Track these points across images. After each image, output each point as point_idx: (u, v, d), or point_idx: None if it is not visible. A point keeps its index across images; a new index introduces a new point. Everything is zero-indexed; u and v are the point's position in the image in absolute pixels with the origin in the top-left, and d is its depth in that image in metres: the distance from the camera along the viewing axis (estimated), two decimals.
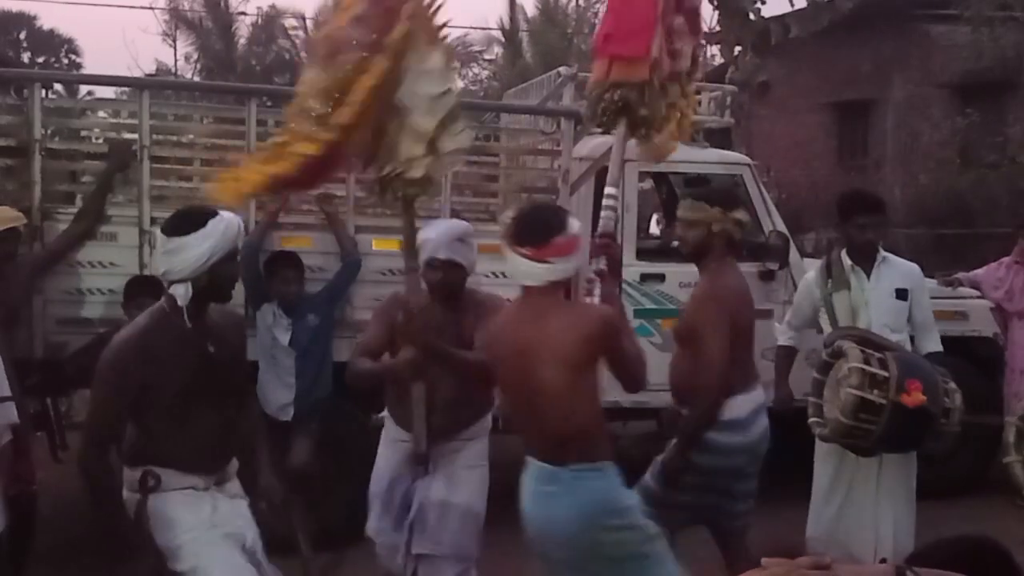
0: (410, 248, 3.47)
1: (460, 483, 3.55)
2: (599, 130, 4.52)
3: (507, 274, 3.17)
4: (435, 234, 3.61)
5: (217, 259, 2.85)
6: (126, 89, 6.51)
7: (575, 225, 3.01)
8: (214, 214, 2.89)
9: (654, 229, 7.49)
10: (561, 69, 5.99)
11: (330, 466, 4.95)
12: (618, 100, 3.57)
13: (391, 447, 3.67)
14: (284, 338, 4.94)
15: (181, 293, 2.86)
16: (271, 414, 4.86)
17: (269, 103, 5.59)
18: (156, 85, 5.93)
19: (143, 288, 4.46)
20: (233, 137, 5.32)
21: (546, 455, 2.95)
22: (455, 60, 3.37)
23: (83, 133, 5.62)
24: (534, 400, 2.93)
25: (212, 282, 2.88)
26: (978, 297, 6.02)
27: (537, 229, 2.96)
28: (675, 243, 6.20)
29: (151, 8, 23.32)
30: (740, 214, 3.80)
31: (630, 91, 3.56)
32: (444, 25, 3.34)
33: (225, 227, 2.87)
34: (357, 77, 3.09)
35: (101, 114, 5.66)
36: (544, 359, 2.87)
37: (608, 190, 3.62)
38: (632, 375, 3.05)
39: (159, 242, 2.95)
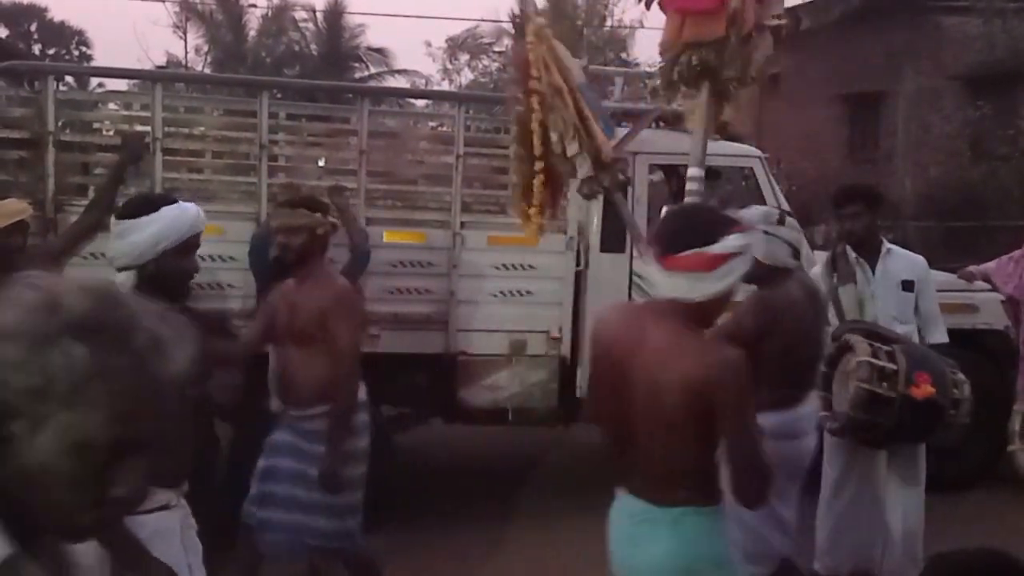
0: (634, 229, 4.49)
1: None
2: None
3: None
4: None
5: (165, 247, 2.66)
6: (138, 81, 6.55)
7: (733, 241, 2.39)
8: (171, 201, 2.77)
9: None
10: None
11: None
12: (696, 64, 3.37)
13: None
14: None
15: (122, 281, 2.65)
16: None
17: (279, 96, 5.61)
18: (168, 78, 5.94)
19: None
20: (244, 130, 5.35)
21: (647, 492, 2.51)
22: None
23: (95, 125, 5.64)
24: (640, 432, 2.45)
25: (158, 273, 2.67)
26: (989, 290, 5.99)
27: (670, 234, 2.46)
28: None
29: (162, 0, 23.32)
30: (333, 218, 3.87)
31: (708, 52, 3.35)
32: (557, 59, 4.05)
33: (178, 215, 2.70)
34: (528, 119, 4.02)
35: (113, 106, 5.67)
36: (667, 399, 2.36)
37: (691, 172, 3.67)
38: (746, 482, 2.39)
39: (111, 226, 2.83)
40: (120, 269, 2.73)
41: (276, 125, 5.30)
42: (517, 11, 4.54)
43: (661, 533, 2.46)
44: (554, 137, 3.93)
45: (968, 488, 5.66)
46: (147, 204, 2.77)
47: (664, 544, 2.44)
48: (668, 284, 2.40)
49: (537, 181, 4.08)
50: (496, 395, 5.44)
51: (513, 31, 5.04)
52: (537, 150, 4.01)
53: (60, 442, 1.04)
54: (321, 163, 5.72)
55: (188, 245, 2.74)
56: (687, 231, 2.42)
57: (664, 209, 7.36)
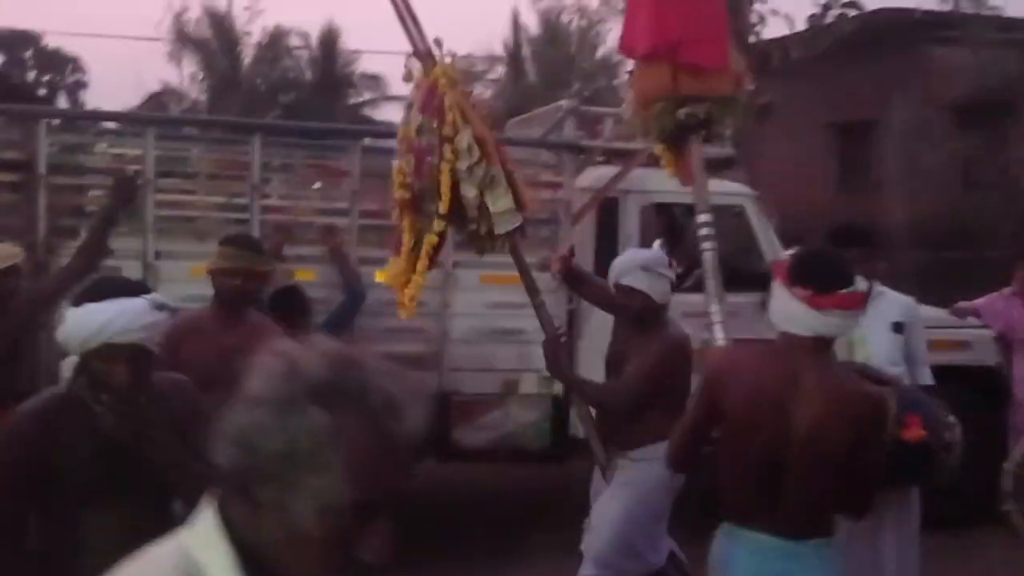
0: (531, 286, 3.92)
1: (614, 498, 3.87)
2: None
3: (771, 314, 2.72)
4: (620, 260, 4.00)
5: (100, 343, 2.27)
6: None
7: (862, 283, 2.67)
8: (126, 291, 2.34)
9: None
10: (562, 102, 6.05)
11: None
12: (703, 116, 3.39)
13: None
14: None
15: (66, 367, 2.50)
16: None
17: (272, 137, 5.63)
18: (161, 121, 5.97)
19: (283, 304, 4.70)
20: (237, 169, 5.36)
21: (789, 528, 2.58)
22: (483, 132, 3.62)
23: (87, 165, 5.65)
24: (795, 468, 2.53)
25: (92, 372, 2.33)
26: (981, 327, 6.03)
27: (825, 271, 2.58)
28: (678, 270, 6.24)
29: (156, 38, 23.33)
30: (270, 261, 3.93)
31: (712, 105, 3.37)
32: (477, 106, 3.75)
33: (119, 312, 2.27)
34: (439, 172, 3.51)
35: (104, 147, 5.67)
36: (829, 435, 2.50)
37: (700, 219, 3.60)
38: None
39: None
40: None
41: (268, 166, 5.33)
42: (420, 46, 3.68)
43: (812, 565, 2.59)
44: (471, 193, 3.50)
45: (963, 525, 5.64)
46: (100, 291, 2.36)
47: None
48: (820, 322, 2.52)
49: (429, 242, 3.61)
50: (489, 434, 5.44)
51: (419, 70, 3.62)
52: (444, 207, 3.51)
53: (308, 506, 1.06)
54: (313, 203, 5.73)
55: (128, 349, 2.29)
56: (838, 271, 2.58)
57: (660, 248, 7.42)
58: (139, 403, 2.34)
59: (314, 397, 1.06)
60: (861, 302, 2.61)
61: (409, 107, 3.71)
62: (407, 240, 3.63)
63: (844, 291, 2.53)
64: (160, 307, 2.37)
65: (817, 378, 2.54)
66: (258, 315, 3.77)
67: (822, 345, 2.58)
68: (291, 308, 4.95)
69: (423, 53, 3.58)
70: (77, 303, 2.34)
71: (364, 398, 1.08)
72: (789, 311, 2.58)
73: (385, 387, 1.10)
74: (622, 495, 3.88)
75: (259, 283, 3.75)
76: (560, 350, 3.86)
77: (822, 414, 2.50)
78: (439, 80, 3.52)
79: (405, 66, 3.75)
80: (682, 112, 3.38)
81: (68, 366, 2.48)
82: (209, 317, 3.64)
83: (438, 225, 3.54)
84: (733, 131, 3.55)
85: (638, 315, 3.94)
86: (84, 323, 2.28)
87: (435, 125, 3.49)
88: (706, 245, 3.45)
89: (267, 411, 1.07)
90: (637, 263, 3.97)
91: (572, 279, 4.35)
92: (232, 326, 3.50)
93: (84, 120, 6.73)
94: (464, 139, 3.46)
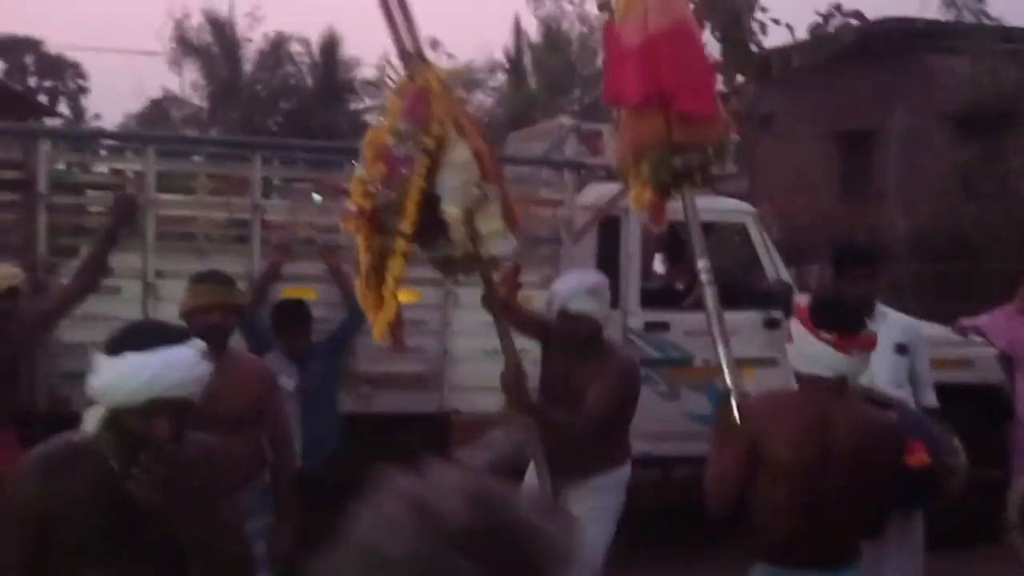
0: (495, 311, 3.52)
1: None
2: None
3: (792, 357, 2.90)
4: (566, 286, 3.90)
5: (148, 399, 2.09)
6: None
7: (871, 324, 2.96)
8: (170, 338, 2.16)
9: (657, 267, 7.48)
10: (563, 120, 6.04)
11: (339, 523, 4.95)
12: (698, 164, 3.35)
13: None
14: (289, 385, 4.93)
15: (90, 419, 2.18)
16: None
17: (273, 158, 5.62)
18: (162, 140, 5.96)
19: (288, 315, 4.80)
20: (238, 190, 5.36)
21: (827, 558, 2.83)
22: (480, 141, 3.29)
23: (88, 182, 5.64)
24: (834, 502, 2.77)
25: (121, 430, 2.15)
26: (984, 344, 6.01)
27: (849, 316, 2.83)
28: (679, 286, 6.21)
29: (155, 53, 23.34)
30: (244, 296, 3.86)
31: (704, 152, 3.36)
32: (472, 118, 3.46)
33: (168, 364, 2.10)
34: (409, 186, 3.15)
35: (104, 168, 5.66)
36: (856, 466, 2.76)
37: (700, 264, 3.41)
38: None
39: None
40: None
41: (269, 185, 5.32)
42: (409, 45, 3.18)
43: None
44: (454, 211, 3.15)
45: (966, 544, 5.62)
46: (142, 339, 2.17)
47: None
48: (846, 364, 2.78)
49: (396, 265, 3.24)
50: (491, 453, 5.40)
51: (404, 72, 3.18)
52: (409, 226, 3.16)
53: None
54: (314, 220, 5.72)
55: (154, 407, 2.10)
56: (856, 315, 2.86)
57: (661, 264, 7.42)
58: (178, 465, 2.13)
59: (461, 549, 0.90)
60: (876, 343, 2.86)
61: (385, 111, 3.44)
62: (363, 260, 3.30)
63: (865, 334, 2.82)
64: (204, 355, 2.20)
65: (846, 413, 2.81)
66: (237, 350, 3.70)
67: (844, 384, 2.83)
68: (292, 319, 4.94)
69: (411, 53, 3.28)
70: (114, 351, 2.10)
71: (515, 543, 0.93)
72: (816, 354, 2.79)
73: (535, 525, 0.95)
74: (598, 522, 3.79)
75: (235, 317, 3.66)
76: (523, 379, 3.50)
77: (856, 448, 2.76)
78: (430, 85, 3.21)
79: (383, 67, 3.51)
80: (678, 160, 3.33)
81: (92, 417, 2.18)
82: None
83: (402, 245, 3.17)
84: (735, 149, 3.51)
85: (585, 341, 3.88)
86: (129, 375, 2.06)
87: (420, 135, 3.18)
88: (708, 289, 3.35)
89: (403, 573, 0.90)
90: (584, 288, 3.92)
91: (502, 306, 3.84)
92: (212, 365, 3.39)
93: (87, 138, 6.66)
94: (462, 153, 3.19)
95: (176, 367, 2.10)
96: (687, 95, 3.25)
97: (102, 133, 8.20)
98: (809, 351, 2.80)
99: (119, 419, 2.12)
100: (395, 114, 3.28)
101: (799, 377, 2.93)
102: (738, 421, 3.00)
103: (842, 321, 2.79)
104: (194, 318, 3.46)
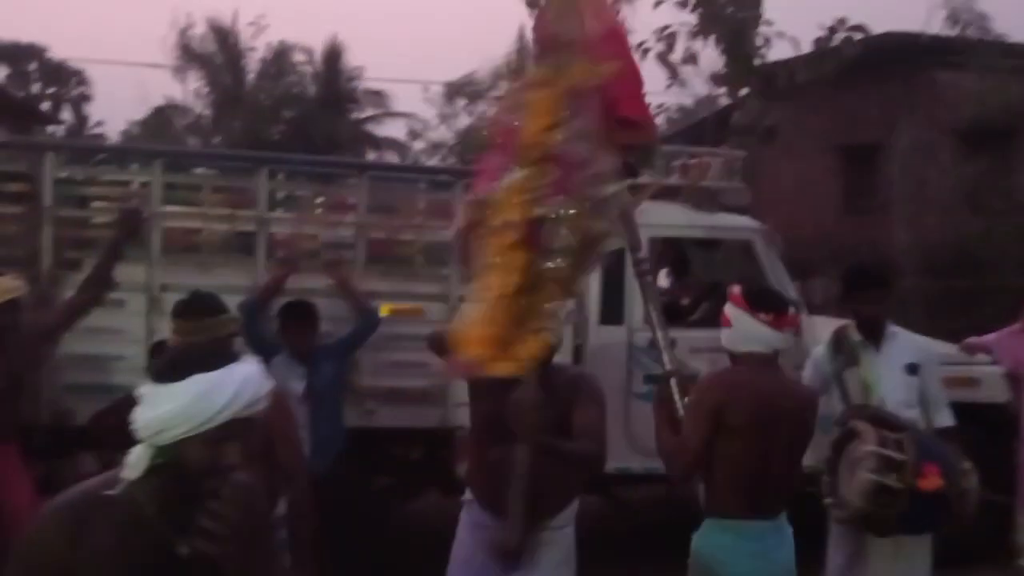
0: None
1: None
2: None
3: (727, 340, 3.32)
4: None
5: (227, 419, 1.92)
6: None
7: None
8: (227, 358, 2.00)
9: (663, 282, 7.44)
10: None
11: (343, 524, 4.93)
12: (632, 163, 3.59)
13: (471, 533, 3.39)
14: (298, 388, 4.88)
15: (135, 462, 1.95)
16: None
17: (278, 172, 5.60)
18: (169, 154, 5.94)
19: (294, 313, 4.77)
20: (244, 205, 5.34)
21: (767, 511, 3.26)
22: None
23: (93, 200, 5.62)
24: (777, 461, 3.22)
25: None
26: (990, 363, 5.98)
27: (778, 299, 3.41)
28: (684, 301, 6.17)
29: (161, 65, 23.33)
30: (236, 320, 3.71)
31: (639, 154, 3.61)
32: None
33: (246, 380, 1.96)
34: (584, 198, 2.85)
35: (110, 179, 5.62)
36: (794, 424, 3.25)
37: (634, 256, 3.73)
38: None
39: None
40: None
41: (275, 200, 5.31)
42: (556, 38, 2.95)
43: (785, 536, 3.31)
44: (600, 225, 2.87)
45: (973, 563, 5.58)
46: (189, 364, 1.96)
47: (789, 544, 3.31)
48: (780, 339, 3.30)
49: (551, 295, 2.90)
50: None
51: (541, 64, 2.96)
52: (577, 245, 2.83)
53: None
54: (319, 235, 5.69)
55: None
56: (784, 299, 3.49)
57: (666, 279, 7.39)
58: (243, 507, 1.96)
59: None
60: (800, 323, 3.67)
61: (518, 105, 3.01)
62: (504, 283, 2.79)
63: (791, 315, 3.40)
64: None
65: (782, 382, 3.35)
66: None
67: (777, 357, 3.34)
68: (300, 318, 4.91)
69: (559, 43, 3.00)
70: (176, 376, 1.90)
71: None
72: (755, 333, 3.27)
73: None
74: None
75: (228, 344, 3.30)
76: (535, 411, 3.03)
77: (796, 410, 3.27)
78: (584, 81, 2.92)
79: (514, 53, 3.31)
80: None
81: (137, 459, 1.93)
82: None
83: (571, 273, 2.79)
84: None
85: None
86: (206, 396, 1.88)
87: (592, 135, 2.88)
88: (646, 278, 3.70)
89: None
90: None
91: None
92: None
93: (89, 153, 6.64)
94: (609, 161, 2.99)
95: (253, 382, 1.96)
96: (623, 99, 3.32)
97: (108, 148, 8.19)
98: (748, 331, 3.28)
99: (175, 455, 1.91)
100: (551, 110, 2.93)
101: (735, 356, 3.36)
102: (681, 398, 3.47)
103: (775, 304, 3.33)
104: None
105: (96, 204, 5.34)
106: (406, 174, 8.12)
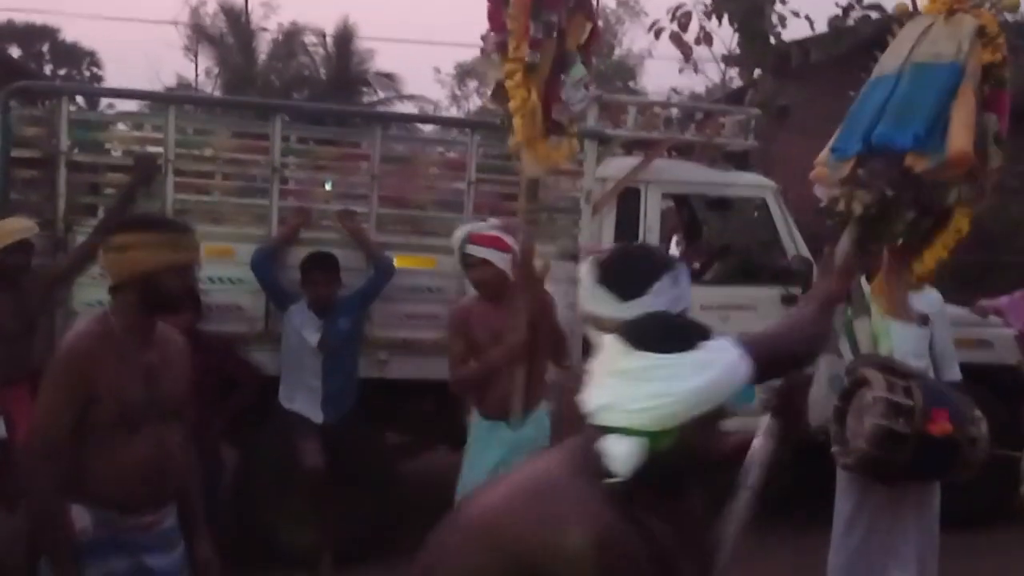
0: None
1: None
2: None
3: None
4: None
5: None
6: (150, 103, 6.58)
7: None
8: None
9: (674, 250, 7.45)
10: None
11: (352, 479, 4.95)
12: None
13: (485, 442, 4.00)
14: (313, 339, 4.89)
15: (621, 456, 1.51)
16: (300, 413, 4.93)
17: (291, 119, 5.58)
18: (181, 100, 5.96)
19: (318, 264, 4.82)
20: (256, 152, 5.34)
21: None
22: None
23: (107, 146, 5.64)
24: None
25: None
26: (1002, 325, 5.98)
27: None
28: (695, 266, 6.18)
29: (174, 23, 23.43)
30: None
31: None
32: None
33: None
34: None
35: (124, 127, 5.65)
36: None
37: (528, 207, 4.07)
38: None
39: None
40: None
41: (288, 148, 5.29)
42: None
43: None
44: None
45: (981, 524, 5.58)
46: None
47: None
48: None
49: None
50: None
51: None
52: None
53: None
54: (329, 187, 5.71)
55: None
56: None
57: (676, 237, 7.41)
58: None
59: None
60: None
61: None
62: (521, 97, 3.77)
63: None
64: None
65: None
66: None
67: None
68: (322, 269, 4.92)
69: None
70: (688, 346, 1.55)
71: None
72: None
73: None
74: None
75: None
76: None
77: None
78: None
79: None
80: None
81: (629, 451, 1.52)
82: (122, 333, 2.58)
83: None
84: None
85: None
86: (732, 368, 1.56)
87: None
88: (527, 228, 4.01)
89: None
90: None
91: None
92: (150, 341, 2.64)
93: (106, 97, 6.67)
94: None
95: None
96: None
97: (123, 92, 8.22)
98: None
99: (677, 440, 1.53)
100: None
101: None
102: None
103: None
104: (158, 279, 2.56)
105: (110, 148, 5.36)
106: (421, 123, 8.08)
